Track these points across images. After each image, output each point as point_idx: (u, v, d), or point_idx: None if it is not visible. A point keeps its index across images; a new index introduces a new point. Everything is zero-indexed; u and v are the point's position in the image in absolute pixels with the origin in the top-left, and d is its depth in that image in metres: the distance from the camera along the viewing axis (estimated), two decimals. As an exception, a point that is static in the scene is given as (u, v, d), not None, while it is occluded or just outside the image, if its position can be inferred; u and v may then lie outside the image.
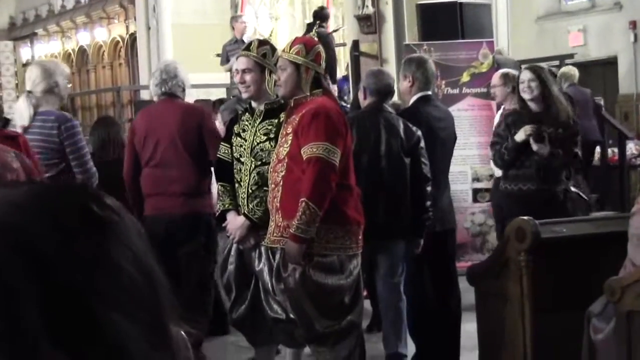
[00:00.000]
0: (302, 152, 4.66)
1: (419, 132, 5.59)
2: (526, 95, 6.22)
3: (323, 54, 4.97)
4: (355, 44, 11.51)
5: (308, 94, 4.82)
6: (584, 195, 6.68)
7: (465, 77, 8.94)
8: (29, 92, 5.56)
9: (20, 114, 5.55)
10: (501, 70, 7.74)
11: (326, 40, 11.56)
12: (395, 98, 6.15)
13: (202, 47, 14.45)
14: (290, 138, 4.74)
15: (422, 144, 5.57)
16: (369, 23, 11.42)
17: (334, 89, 10.76)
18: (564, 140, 6.15)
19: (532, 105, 6.22)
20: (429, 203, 5.58)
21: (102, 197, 0.91)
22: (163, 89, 6.01)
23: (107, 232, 0.88)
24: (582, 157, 6.81)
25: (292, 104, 4.84)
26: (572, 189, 6.38)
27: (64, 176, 5.43)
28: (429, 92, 6.00)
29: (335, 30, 12.99)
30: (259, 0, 15.65)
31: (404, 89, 5.95)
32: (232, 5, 15.91)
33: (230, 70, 10.85)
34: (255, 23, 15.00)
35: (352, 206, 4.80)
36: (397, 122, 5.60)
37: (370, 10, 11.34)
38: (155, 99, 6.29)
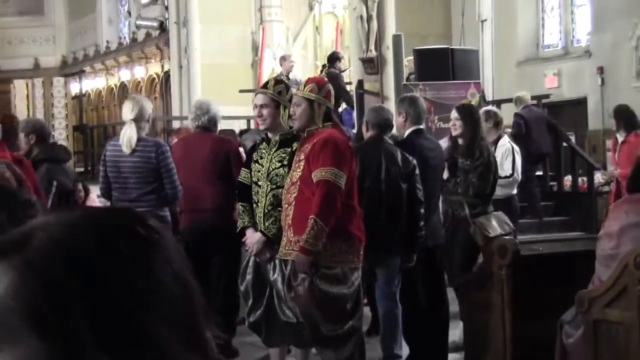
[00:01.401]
0: (312, 176, 4.67)
1: (414, 161, 5.59)
2: (453, 132, 6.17)
3: (332, 92, 5.01)
4: (360, 83, 11.54)
5: (320, 125, 4.83)
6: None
7: (455, 113, 8.92)
8: (133, 120, 5.78)
9: (128, 139, 5.78)
10: (484, 108, 7.73)
11: (336, 78, 11.64)
12: (394, 130, 6.14)
13: (227, 83, 14.50)
14: (303, 164, 4.75)
15: (417, 171, 5.57)
16: (372, 65, 11.45)
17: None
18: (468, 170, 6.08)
19: (460, 140, 6.14)
20: (422, 223, 5.56)
21: (146, 219, 0.90)
22: (197, 123, 6.27)
23: (150, 250, 0.87)
24: (532, 167, 6.57)
25: (305, 135, 4.85)
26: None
27: (156, 191, 5.77)
28: (421, 126, 6.05)
29: (343, 71, 13.04)
30: (276, 44, 15.70)
31: (399, 124, 6.00)
32: (253, 48, 15.98)
33: None
34: (273, 64, 15.05)
35: (355, 224, 4.79)
36: (395, 152, 5.60)
37: (373, 53, 11.37)
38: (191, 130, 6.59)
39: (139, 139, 5.79)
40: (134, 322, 0.82)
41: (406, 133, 5.94)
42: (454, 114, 6.20)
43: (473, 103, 8.97)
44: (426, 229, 5.61)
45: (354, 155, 4.89)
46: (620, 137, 8.79)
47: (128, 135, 5.82)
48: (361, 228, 4.84)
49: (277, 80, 5.54)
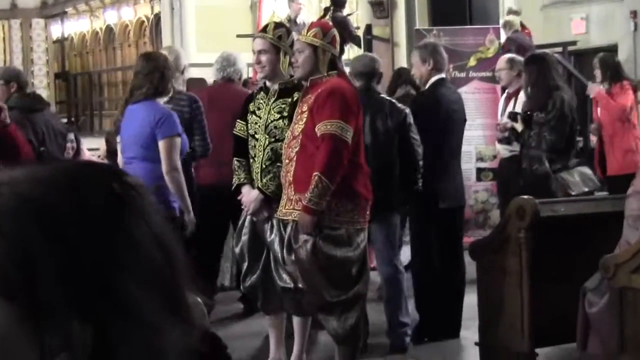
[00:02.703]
0: (316, 129, 4.67)
1: (407, 110, 5.60)
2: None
3: (338, 38, 4.98)
4: (368, 28, 11.46)
5: (325, 74, 4.81)
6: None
7: (472, 62, 8.88)
8: None
9: None
10: (507, 55, 7.72)
11: (344, 22, 11.53)
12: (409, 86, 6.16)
13: (223, 28, 14.38)
14: (306, 116, 4.74)
15: (410, 120, 5.57)
16: (382, 8, 11.37)
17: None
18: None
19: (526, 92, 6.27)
20: (419, 176, 5.58)
21: (124, 176, 0.91)
22: (222, 74, 6.51)
23: (127, 208, 0.87)
24: None
25: (308, 84, 4.83)
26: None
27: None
28: (444, 75, 6.09)
29: (349, 15, 12.93)
30: (278, -15, 15.58)
31: (424, 73, 5.97)
32: (253, -11, 15.85)
33: None
34: (274, 6, 14.93)
35: (361, 182, 4.81)
36: (384, 103, 5.59)
37: (382, -5, 11.29)
38: (212, 81, 6.94)
39: (176, 92, 5.83)
40: (109, 285, 0.83)
41: (429, 83, 5.94)
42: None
43: (492, 51, 8.91)
44: (447, 188, 5.66)
45: (361, 108, 4.88)
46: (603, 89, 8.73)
47: None
48: (368, 186, 4.86)
49: (277, 24, 5.51)
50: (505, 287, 4.94)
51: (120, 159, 5.35)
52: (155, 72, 5.23)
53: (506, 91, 7.48)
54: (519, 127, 6.48)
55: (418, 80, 6.14)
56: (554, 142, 6.12)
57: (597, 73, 8.23)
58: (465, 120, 6.13)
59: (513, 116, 6.75)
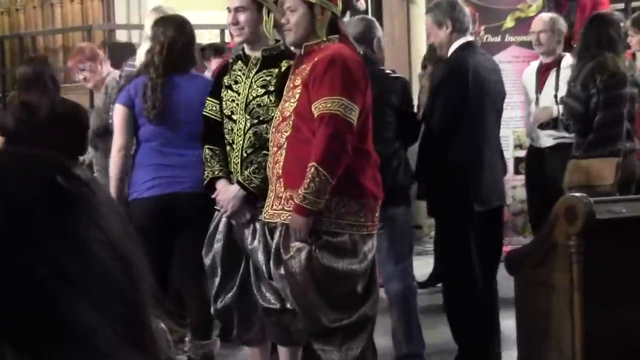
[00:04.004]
0: (313, 108, 4.67)
1: (402, 78, 5.82)
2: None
3: (340, -8, 4.98)
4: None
5: (323, 39, 4.82)
6: None
7: (509, 23, 8.90)
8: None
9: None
10: (548, 14, 7.70)
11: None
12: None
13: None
14: (299, 91, 4.74)
15: (407, 88, 5.79)
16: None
17: None
18: None
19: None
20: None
21: (71, 167, 0.91)
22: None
23: (74, 208, 0.88)
24: None
25: (302, 51, 4.84)
26: None
27: None
28: (472, 39, 6.10)
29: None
30: None
31: (443, 39, 5.98)
32: None
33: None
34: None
35: (369, 176, 4.81)
36: (382, 75, 5.70)
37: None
38: None
39: None
40: (51, 305, 0.82)
41: (452, 49, 5.95)
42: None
43: (534, 9, 8.92)
44: (483, 185, 5.72)
45: (369, 81, 4.89)
46: None
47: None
48: (377, 180, 4.87)
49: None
50: (552, 307, 4.95)
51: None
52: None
53: (539, 61, 7.44)
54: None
55: (438, 51, 6.15)
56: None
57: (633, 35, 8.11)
58: (504, 95, 6.15)
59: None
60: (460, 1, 6.25)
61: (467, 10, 6.16)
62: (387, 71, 5.90)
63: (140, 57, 6.19)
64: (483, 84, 5.82)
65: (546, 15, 7.61)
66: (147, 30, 6.25)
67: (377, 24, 6.11)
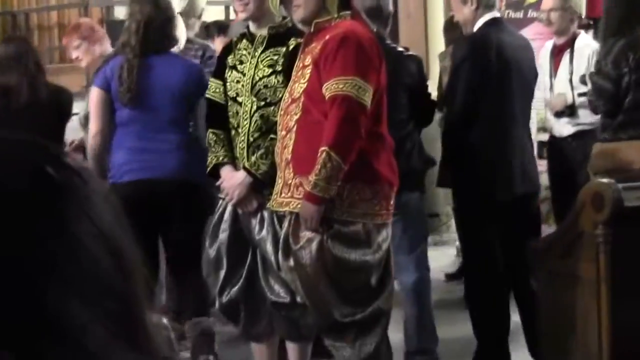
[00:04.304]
0: (324, 89, 4.67)
1: (417, 57, 5.87)
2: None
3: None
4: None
5: (335, 15, 4.81)
6: None
7: (532, -3, 8.87)
8: (180, 14, 6.27)
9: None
10: None
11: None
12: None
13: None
14: (309, 71, 4.74)
15: (420, 68, 5.86)
16: None
17: None
18: None
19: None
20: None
21: (62, 156, 0.91)
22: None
23: (64, 198, 0.87)
24: None
25: (312, 29, 4.83)
26: None
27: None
28: (498, 15, 6.10)
29: None
30: None
31: (468, 15, 5.99)
32: None
33: None
34: None
35: (384, 161, 4.81)
36: (395, 54, 5.72)
37: None
38: None
39: (188, 41, 6.28)
40: (39, 301, 0.82)
41: (477, 26, 5.95)
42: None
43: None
44: (507, 170, 5.71)
45: (384, 60, 4.88)
46: None
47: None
48: (393, 166, 4.87)
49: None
50: (578, 301, 4.95)
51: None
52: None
53: (552, 43, 7.37)
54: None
55: (463, 28, 6.14)
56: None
57: None
58: (537, 74, 6.14)
59: (583, 80, 6.76)
60: None
61: None
62: (400, 49, 5.89)
63: None
64: (509, 62, 5.80)
65: None
66: None
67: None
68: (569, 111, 6.98)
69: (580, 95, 6.97)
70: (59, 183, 0.88)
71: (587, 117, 6.85)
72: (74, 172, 0.90)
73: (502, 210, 5.75)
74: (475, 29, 5.95)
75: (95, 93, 5.82)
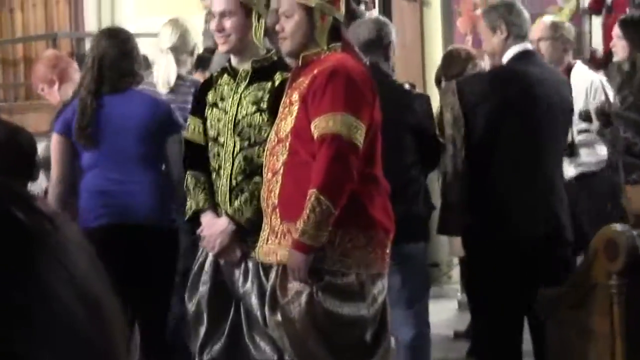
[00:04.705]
0: (312, 127, 4.68)
1: (423, 96, 5.86)
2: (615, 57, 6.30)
3: (343, -5, 5.01)
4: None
5: (324, 48, 4.83)
6: None
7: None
8: (171, 49, 6.54)
9: (166, 76, 6.48)
10: (550, 19, 7.71)
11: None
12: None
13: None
14: (296, 108, 4.75)
15: (426, 106, 5.81)
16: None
17: None
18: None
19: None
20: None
21: (31, 199, 0.90)
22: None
23: (35, 245, 0.86)
24: None
25: (300, 63, 4.85)
26: None
27: None
28: (530, 47, 6.09)
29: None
30: None
31: (496, 45, 6.01)
32: None
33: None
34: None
35: (378, 205, 4.80)
36: (397, 89, 5.77)
37: None
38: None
39: (179, 77, 6.44)
40: (3, 351, 0.81)
41: (506, 57, 5.95)
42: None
43: (567, 12, 8.95)
44: (536, 214, 5.69)
45: (377, 95, 4.88)
46: None
47: (165, 70, 6.39)
48: (388, 211, 4.85)
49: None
50: (590, 354, 4.94)
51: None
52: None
53: None
54: (594, 127, 6.49)
55: (491, 59, 6.16)
56: None
57: None
58: (572, 111, 6.14)
59: (585, 115, 6.74)
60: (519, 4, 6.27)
61: (527, 15, 6.16)
62: (406, 86, 5.90)
63: (158, 74, 6.46)
64: (536, 98, 5.79)
65: (547, 20, 7.61)
66: (162, 43, 6.60)
67: (391, 27, 6.11)
68: (569, 151, 6.89)
69: (580, 132, 6.96)
70: (28, 229, 0.87)
71: (588, 156, 6.84)
72: (45, 217, 0.89)
73: (524, 256, 5.69)
74: (505, 60, 5.96)
75: (54, 140, 5.90)
